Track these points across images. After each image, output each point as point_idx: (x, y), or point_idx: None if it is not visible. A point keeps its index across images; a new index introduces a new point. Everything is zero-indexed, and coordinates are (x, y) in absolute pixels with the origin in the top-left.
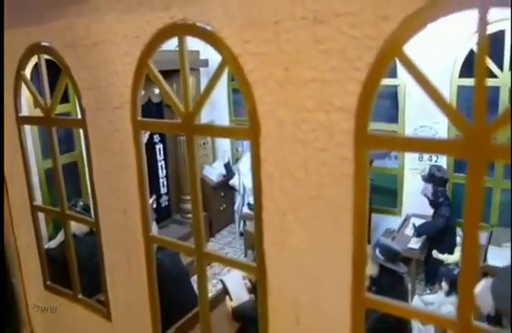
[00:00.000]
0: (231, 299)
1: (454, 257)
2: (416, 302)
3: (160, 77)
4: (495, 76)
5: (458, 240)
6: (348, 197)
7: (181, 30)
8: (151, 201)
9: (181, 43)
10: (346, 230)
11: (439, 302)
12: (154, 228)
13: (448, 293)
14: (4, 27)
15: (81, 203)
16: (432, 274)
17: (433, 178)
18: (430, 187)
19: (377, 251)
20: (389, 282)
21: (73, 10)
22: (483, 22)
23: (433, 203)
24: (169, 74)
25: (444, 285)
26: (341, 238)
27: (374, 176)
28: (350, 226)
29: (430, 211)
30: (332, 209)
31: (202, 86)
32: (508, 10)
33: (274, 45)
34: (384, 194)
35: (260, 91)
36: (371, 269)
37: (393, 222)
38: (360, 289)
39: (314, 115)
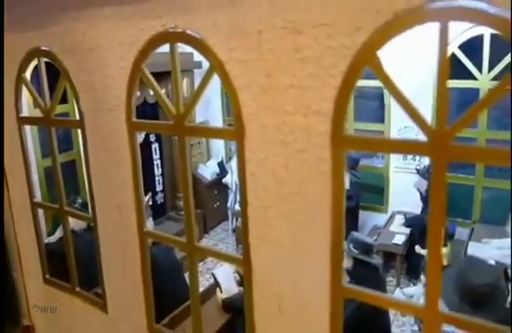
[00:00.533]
0: (221, 291)
1: None
2: (397, 294)
3: (153, 80)
4: (475, 78)
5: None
6: (326, 194)
7: (172, 37)
8: (146, 198)
9: (172, 50)
10: (324, 225)
11: (418, 294)
12: (150, 224)
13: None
14: (4, 30)
15: (80, 201)
16: (415, 268)
17: (430, 174)
18: (425, 183)
19: (351, 245)
20: (364, 273)
21: (71, 16)
22: (444, 35)
23: (424, 199)
24: (164, 75)
25: (423, 278)
26: (319, 231)
27: (362, 174)
28: (328, 220)
29: (414, 209)
30: (311, 205)
31: (196, 86)
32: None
33: (257, 53)
34: (372, 192)
35: (244, 95)
36: (346, 263)
37: (380, 219)
38: (338, 279)
39: (294, 118)
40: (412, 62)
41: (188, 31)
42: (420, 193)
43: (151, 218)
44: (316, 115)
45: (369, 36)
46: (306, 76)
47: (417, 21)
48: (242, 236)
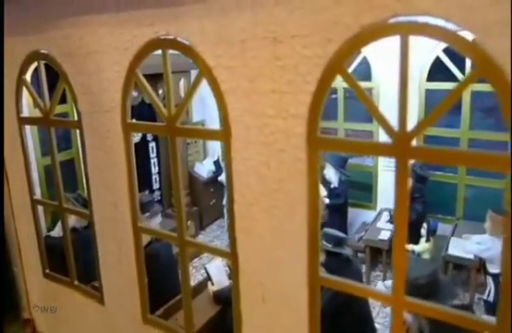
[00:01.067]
0: (213, 284)
1: (418, 247)
2: (379, 286)
3: (146, 83)
4: (458, 80)
5: (423, 232)
6: (303, 191)
7: (164, 43)
8: (154, 195)
9: (164, 55)
10: (301, 219)
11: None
12: (158, 220)
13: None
14: (4, 33)
15: (81, 198)
16: None
17: (415, 173)
18: (409, 182)
19: (323, 240)
20: (337, 265)
21: (69, 22)
22: (404, 47)
23: (410, 197)
24: (162, 76)
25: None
26: (297, 225)
27: (353, 173)
28: (305, 215)
29: None
30: (289, 201)
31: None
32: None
33: (242, 60)
34: (362, 190)
35: (230, 99)
36: (321, 258)
37: (369, 216)
38: (315, 268)
39: (274, 121)
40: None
41: (178, 39)
42: (412, 193)
43: (159, 215)
44: (294, 118)
45: (339, 47)
46: (285, 82)
47: (381, 35)
48: (229, 230)
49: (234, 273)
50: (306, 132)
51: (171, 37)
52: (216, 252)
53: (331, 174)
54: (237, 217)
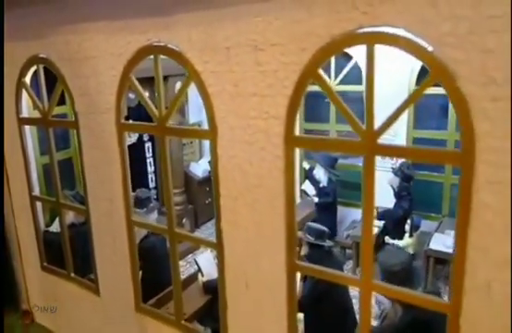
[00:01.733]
0: (202, 275)
1: (402, 242)
2: None
3: (139, 87)
4: None
5: (407, 228)
6: (281, 186)
7: (156, 50)
8: (152, 192)
9: (156, 60)
10: (280, 212)
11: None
12: (154, 216)
13: None
14: (4, 35)
15: (80, 195)
16: None
17: (402, 173)
18: (397, 180)
19: (307, 234)
20: (319, 256)
21: (68, 29)
22: (371, 55)
23: (397, 195)
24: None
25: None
26: (276, 217)
27: (345, 173)
28: (283, 208)
29: (389, 204)
30: (270, 195)
31: (188, 89)
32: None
33: (227, 66)
34: (353, 189)
35: (216, 101)
36: (304, 249)
37: (359, 214)
38: (292, 257)
39: (256, 121)
40: (390, 70)
41: (169, 45)
42: (393, 189)
43: (156, 211)
44: (273, 119)
45: (312, 55)
46: (266, 86)
47: (349, 44)
48: (215, 223)
49: (220, 262)
50: (284, 132)
51: (162, 44)
52: (204, 243)
53: (320, 174)
54: (223, 210)
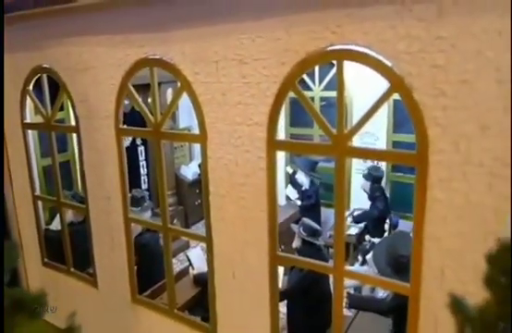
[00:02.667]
0: (193, 268)
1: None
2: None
3: (136, 96)
4: None
5: (386, 227)
6: (264, 184)
7: (152, 62)
8: (146, 192)
9: (152, 72)
10: (263, 208)
11: (357, 269)
12: (148, 215)
13: (362, 263)
14: (4, 38)
15: (80, 195)
16: (364, 253)
17: (371, 176)
18: (368, 184)
19: (301, 229)
20: (309, 252)
21: (71, 41)
22: (340, 69)
23: (370, 197)
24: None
25: (360, 257)
26: (260, 213)
27: (327, 176)
28: (266, 204)
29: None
30: (254, 193)
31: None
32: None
33: (215, 77)
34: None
35: (206, 109)
36: (296, 242)
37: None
38: (274, 249)
39: (241, 127)
40: (371, 77)
41: (164, 58)
42: (367, 193)
43: (150, 210)
44: (256, 125)
45: (290, 68)
46: (249, 96)
47: (322, 59)
48: (205, 218)
49: (209, 254)
50: (266, 136)
51: (158, 57)
52: (195, 237)
53: (302, 178)
54: (212, 207)
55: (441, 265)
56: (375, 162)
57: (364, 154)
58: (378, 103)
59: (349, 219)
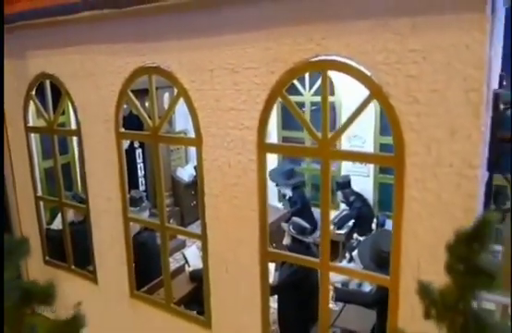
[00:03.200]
0: (189, 266)
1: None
2: None
3: (136, 101)
4: None
5: (373, 226)
6: (255, 184)
7: (150, 70)
8: (143, 194)
9: (150, 79)
10: (254, 207)
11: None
12: (146, 214)
13: (349, 260)
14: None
15: (79, 196)
16: (351, 250)
17: (339, 185)
18: (340, 193)
19: (291, 227)
20: (299, 249)
21: (73, 50)
22: (324, 78)
23: (347, 203)
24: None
25: (347, 255)
26: (251, 212)
27: (317, 177)
28: (256, 203)
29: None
30: (245, 193)
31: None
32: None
33: (210, 85)
34: None
35: (201, 114)
36: (286, 240)
37: (332, 215)
38: (265, 245)
39: (233, 131)
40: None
41: (162, 67)
42: (343, 202)
43: (147, 210)
44: (247, 129)
45: (279, 77)
46: (241, 102)
47: (307, 69)
48: (200, 217)
49: (204, 250)
50: (256, 140)
51: (156, 65)
52: (191, 235)
53: (283, 189)
54: (207, 206)
55: (417, 258)
56: (364, 164)
57: (347, 156)
58: (359, 109)
59: (331, 226)
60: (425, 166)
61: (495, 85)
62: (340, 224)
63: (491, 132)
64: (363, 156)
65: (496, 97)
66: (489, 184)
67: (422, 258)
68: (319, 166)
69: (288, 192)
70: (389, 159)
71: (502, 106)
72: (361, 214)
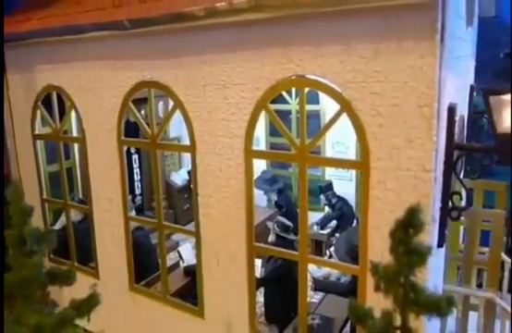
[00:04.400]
0: (183, 262)
1: None
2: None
3: (137, 113)
4: None
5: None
6: (243, 186)
7: (149, 84)
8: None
9: (150, 93)
10: (242, 205)
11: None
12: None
13: (329, 257)
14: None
15: (77, 198)
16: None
17: (322, 188)
18: (322, 197)
19: (275, 225)
20: (282, 246)
21: (79, 65)
22: (303, 94)
23: (330, 205)
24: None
25: (328, 252)
26: (239, 210)
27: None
28: (244, 202)
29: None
30: (234, 193)
31: (169, 107)
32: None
33: (203, 98)
34: (313, 195)
35: (195, 124)
36: (272, 237)
37: (318, 217)
38: (251, 240)
39: (224, 139)
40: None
41: (160, 81)
42: (327, 205)
43: (133, 210)
44: (236, 137)
45: (263, 92)
46: (230, 114)
47: (288, 86)
48: (194, 215)
49: (197, 245)
50: (244, 146)
51: (155, 80)
52: (185, 231)
53: (269, 195)
54: (200, 206)
55: (381, 249)
56: (347, 169)
57: (321, 161)
58: (331, 121)
59: (315, 227)
60: (387, 169)
61: (452, 100)
62: (323, 224)
63: (446, 141)
64: (335, 162)
65: (451, 110)
66: (446, 186)
67: (385, 249)
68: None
69: (274, 197)
70: (357, 164)
71: (456, 118)
72: (343, 215)
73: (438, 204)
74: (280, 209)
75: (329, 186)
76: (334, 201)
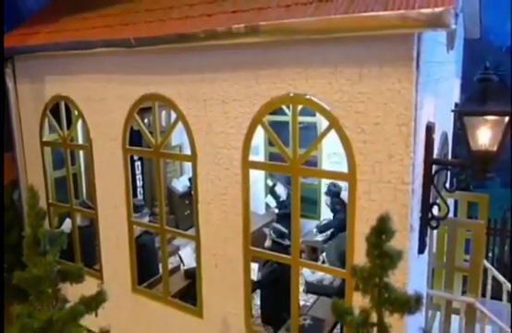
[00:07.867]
0: (184, 265)
1: None
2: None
3: (141, 123)
4: None
5: None
6: (239, 194)
7: (154, 97)
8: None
9: (154, 105)
10: (239, 212)
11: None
12: (146, 219)
13: (323, 262)
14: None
15: (86, 202)
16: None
17: (330, 192)
18: (328, 199)
19: (271, 231)
20: (278, 251)
21: (87, 77)
22: (295, 111)
23: (332, 210)
24: (148, 109)
25: (321, 257)
26: (236, 216)
27: (303, 190)
28: (241, 209)
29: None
30: (232, 201)
31: (172, 117)
32: None
33: (204, 112)
34: (308, 204)
35: (196, 135)
36: (268, 243)
37: (313, 225)
38: (248, 244)
39: (223, 150)
40: None
41: (164, 95)
42: (328, 206)
43: (147, 216)
44: (234, 149)
45: (259, 108)
46: (229, 127)
47: (282, 103)
48: (194, 221)
49: (197, 249)
50: (241, 157)
51: (158, 93)
52: (186, 236)
53: (281, 189)
54: (200, 212)
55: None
56: None
57: (312, 173)
58: (321, 135)
59: (315, 230)
60: (371, 182)
61: (431, 119)
62: (322, 229)
63: (424, 156)
64: (325, 173)
65: (428, 129)
66: (426, 197)
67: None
68: (305, 181)
69: (284, 195)
70: (345, 176)
71: (435, 136)
72: (342, 225)
73: (417, 214)
74: (283, 208)
75: (338, 192)
76: (337, 207)
